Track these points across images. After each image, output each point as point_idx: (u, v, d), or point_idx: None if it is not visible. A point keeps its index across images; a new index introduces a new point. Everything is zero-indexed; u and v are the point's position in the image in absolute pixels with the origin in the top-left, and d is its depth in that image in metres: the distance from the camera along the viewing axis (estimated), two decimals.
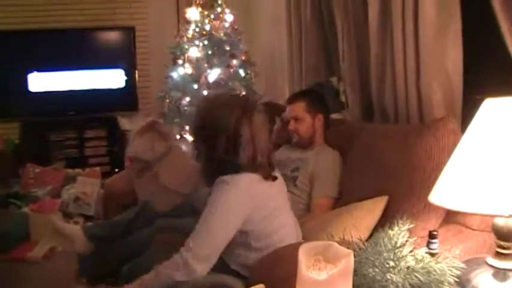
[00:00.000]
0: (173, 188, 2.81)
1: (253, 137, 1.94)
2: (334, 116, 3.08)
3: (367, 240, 1.57)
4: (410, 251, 1.40)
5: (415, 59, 2.48)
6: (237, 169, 1.92)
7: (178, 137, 4.13)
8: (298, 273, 1.16)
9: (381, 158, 2.32)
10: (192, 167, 2.65)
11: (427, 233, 1.62)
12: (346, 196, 2.49)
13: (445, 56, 2.36)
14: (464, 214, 1.98)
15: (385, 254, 1.36)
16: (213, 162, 1.96)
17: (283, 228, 2.04)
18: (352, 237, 1.48)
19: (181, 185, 2.84)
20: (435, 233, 1.61)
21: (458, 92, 2.38)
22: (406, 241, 1.43)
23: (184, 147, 3.91)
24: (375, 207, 2.07)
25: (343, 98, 3.26)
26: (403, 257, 1.36)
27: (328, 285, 1.13)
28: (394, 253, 1.36)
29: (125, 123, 5.35)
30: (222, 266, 2.09)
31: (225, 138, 1.92)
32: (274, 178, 2.02)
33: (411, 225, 1.54)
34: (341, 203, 2.46)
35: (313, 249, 1.17)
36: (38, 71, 5.70)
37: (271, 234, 1.99)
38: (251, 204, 1.93)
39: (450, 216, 2.05)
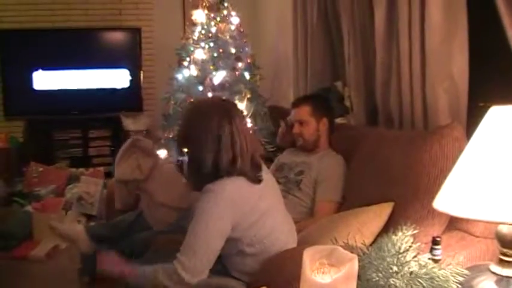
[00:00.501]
0: (171, 204, 2.77)
1: (236, 139, 1.91)
2: (338, 120, 3.09)
3: (371, 245, 1.58)
4: (414, 257, 1.40)
5: (421, 64, 2.48)
6: (222, 174, 1.90)
7: None
8: (302, 276, 1.17)
9: (385, 163, 2.32)
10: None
11: (430, 239, 1.62)
12: (349, 201, 2.49)
13: (451, 62, 2.36)
14: (468, 221, 1.98)
15: (388, 259, 1.37)
16: (198, 170, 1.93)
17: (274, 230, 2.02)
18: (356, 241, 1.48)
19: (178, 199, 2.79)
20: (438, 239, 1.61)
21: (464, 99, 2.38)
22: (410, 246, 1.43)
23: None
24: (381, 212, 2.07)
25: (347, 103, 3.26)
26: (406, 262, 1.37)
27: None
28: (398, 258, 1.36)
29: (129, 123, 5.37)
30: (225, 270, 2.09)
31: (207, 144, 1.90)
32: (260, 180, 1.98)
33: (415, 231, 1.53)
34: (344, 207, 2.47)
35: (318, 253, 1.17)
36: (43, 69, 5.73)
37: (263, 239, 1.96)
38: (239, 211, 1.90)
39: (453, 223, 2.05)
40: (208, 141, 1.89)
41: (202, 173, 1.91)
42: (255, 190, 1.95)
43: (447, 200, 1.47)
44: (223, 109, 1.95)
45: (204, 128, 1.91)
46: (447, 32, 2.35)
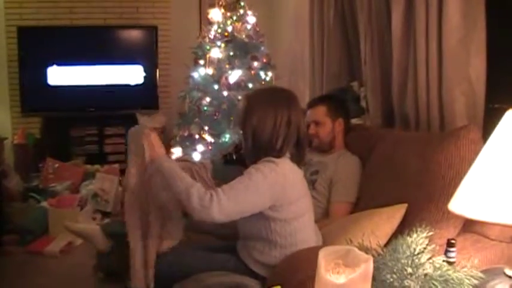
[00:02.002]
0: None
1: (296, 126, 2.09)
2: (354, 121, 3.08)
3: (384, 247, 1.58)
4: (429, 259, 1.40)
5: (438, 66, 2.47)
6: (279, 154, 2.06)
7: (197, 137, 4.15)
8: (317, 276, 1.17)
9: (401, 164, 2.32)
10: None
11: (444, 241, 1.62)
12: (364, 201, 2.48)
13: (468, 64, 2.35)
14: (483, 224, 1.97)
15: (403, 261, 1.36)
16: (259, 148, 2.08)
17: (307, 228, 2.12)
18: (370, 243, 1.48)
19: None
20: (453, 241, 1.60)
21: (481, 101, 2.37)
22: (425, 248, 1.43)
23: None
24: (395, 214, 2.07)
25: (363, 103, 3.25)
26: (421, 264, 1.36)
27: None
28: (413, 260, 1.36)
29: (144, 121, 5.40)
30: (239, 266, 2.11)
31: (270, 126, 2.06)
32: (303, 164, 2.21)
33: (430, 233, 1.53)
34: (359, 208, 2.46)
35: (333, 253, 1.18)
36: (58, 65, 5.78)
37: (296, 233, 2.06)
38: (289, 190, 2.03)
39: (468, 226, 2.04)
40: (271, 121, 2.06)
41: (258, 148, 2.09)
42: (300, 172, 2.15)
43: (463, 202, 1.47)
44: (287, 97, 2.15)
45: (273, 109, 2.08)
46: (465, 33, 2.34)
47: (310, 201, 2.20)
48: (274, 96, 2.14)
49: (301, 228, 2.08)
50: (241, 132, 2.19)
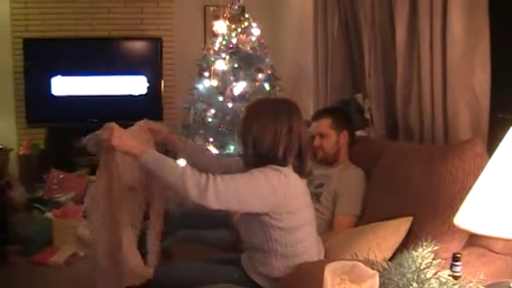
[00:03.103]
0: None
1: (293, 134, 2.07)
2: (358, 133, 3.08)
3: (389, 260, 1.57)
4: (435, 274, 1.40)
5: (442, 78, 2.47)
6: (283, 164, 2.05)
7: None
8: None
9: (405, 177, 2.31)
10: None
11: (449, 255, 1.61)
12: (368, 214, 2.48)
13: (473, 76, 2.35)
14: (488, 237, 1.96)
15: (408, 276, 1.36)
16: (260, 157, 2.07)
17: (309, 238, 2.11)
18: (375, 256, 1.48)
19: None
20: (459, 255, 1.60)
21: (485, 112, 2.36)
22: (430, 263, 1.43)
23: None
24: (400, 227, 2.07)
25: (367, 115, 3.25)
26: (427, 279, 1.36)
27: None
28: (418, 275, 1.36)
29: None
30: (243, 279, 2.11)
31: (271, 135, 2.04)
32: (307, 175, 2.19)
33: (435, 247, 1.53)
34: (363, 221, 2.46)
35: (339, 269, 1.18)
36: (62, 75, 5.80)
37: (297, 243, 2.05)
38: (291, 198, 2.02)
39: (473, 239, 2.03)
40: (271, 131, 2.05)
41: (259, 158, 2.06)
42: (303, 182, 2.14)
43: (468, 216, 1.46)
44: (288, 107, 2.13)
45: (273, 119, 2.06)
46: (469, 45, 2.34)
47: (312, 213, 2.18)
48: (275, 105, 2.14)
49: (302, 239, 2.07)
50: (242, 142, 2.17)
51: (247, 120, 2.13)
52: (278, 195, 1.99)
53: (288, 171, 2.04)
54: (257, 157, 2.06)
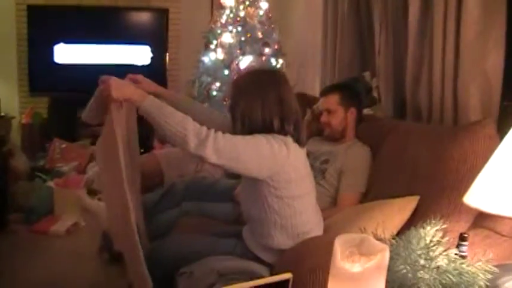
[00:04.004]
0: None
1: (284, 103, 2.03)
2: (365, 111, 3.06)
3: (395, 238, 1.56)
4: (444, 251, 1.38)
5: (454, 59, 2.43)
6: (283, 133, 2.01)
7: None
8: (332, 263, 1.15)
9: (413, 157, 2.30)
10: None
11: (455, 235, 1.60)
12: (373, 192, 2.47)
13: (486, 58, 2.31)
14: (494, 219, 1.95)
15: (418, 252, 1.35)
16: (249, 127, 2.02)
17: (308, 210, 2.10)
18: (384, 232, 1.46)
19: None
20: (466, 235, 1.59)
21: (496, 96, 2.33)
22: (439, 241, 1.41)
23: None
24: (406, 206, 2.05)
25: (375, 94, 3.23)
26: (435, 256, 1.35)
27: (362, 278, 1.12)
28: (427, 252, 1.35)
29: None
30: (245, 252, 2.10)
31: (259, 108, 2.01)
32: (303, 144, 2.13)
33: (444, 226, 1.51)
34: (368, 199, 2.45)
35: (349, 241, 1.16)
36: (66, 42, 5.75)
37: (296, 214, 2.04)
38: (291, 167, 2.00)
39: (479, 221, 2.01)
40: (258, 102, 2.01)
41: (252, 131, 2.00)
42: (303, 153, 2.11)
43: (479, 195, 1.45)
44: (274, 77, 2.12)
45: (258, 91, 2.04)
46: (483, 27, 2.30)
47: (312, 184, 2.17)
48: (260, 77, 2.11)
49: (301, 210, 2.06)
50: (231, 118, 2.11)
51: (234, 95, 2.10)
52: (278, 161, 1.96)
53: (288, 140, 2.00)
54: (249, 132, 2.01)
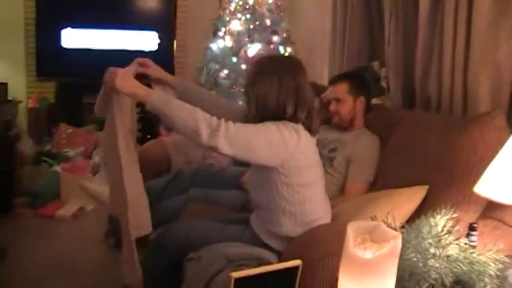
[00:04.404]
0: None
1: (300, 91, 2.05)
2: (373, 101, 3.04)
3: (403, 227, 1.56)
4: (456, 240, 1.38)
5: (465, 49, 2.41)
6: (294, 121, 2.03)
7: None
8: (344, 250, 1.16)
9: (422, 147, 2.29)
10: None
11: (464, 225, 1.60)
12: (381, 182, 2.46)
13: (497, 48, 2.30)
14: (503, 210, 1.95)
15: (430, 240, 1.35)
16: (266, 116, 2.03)
17: (317, 197, 2.11)
18: (394, 220, 1.46)
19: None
20: (475, 225, 1.59)
21: (507, 87, 2.32)
22: (450, 230, 1.41)
23: None
24: (415, 195, 2.05)
25: (384, 84, 3.22)
26: (447, 245, 1.35)
27: (374, 265, 1.12)
28: (438, 240, 1.34)
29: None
30: (253, 239, 2.10)
31: (275, 93, 2.02)
32: (315, 132, 2.14)
33: (454, 215, 1.51)
34: (376, 188, 2.45)
35: (361, 228, 1.16)
36: (73, 27, 5.74)
37: (305, 201, 2.05)
38: (302, 154, 2.01)
39: (488, 212, 2.01)
40: (275, 88, 2.02)
41: (265, 116, 2.02)
42: (313, 141, 2.11)
43: (490, 185, 1.45)
44: (292, 64, 2.13)
45: (276, 75, 2.04)
46: (495, 17, 2.28)
47: (321, 172, 2.17)
48: (278, 63, 2.12)
49: (310, 198, 2.07)
50: (246, 102, 2.14)
51: (252, 77, 2.10)
52: (288, 149, 1.96)
53: (299, 128, 2.01)
54: (263, 116, 2.02)
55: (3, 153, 3.88)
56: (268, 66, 2.09)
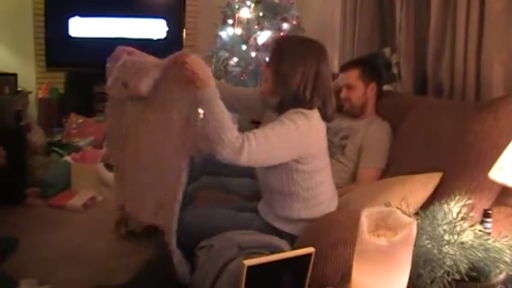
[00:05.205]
0: None
1: (324, 78, 2.05)
2: (384, 87, 3.02)
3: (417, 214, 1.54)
4: (471, 226, 1.36)
5: (478, 34, 2.39)
6: (309, 106, 2.03)
7: None
8: (359, 236, 1.14)
9: (435, 133, 2.27)
10: None
11: (477, 212, 1.58)
12: (393, 169, 2.44)
13: (511, 33, 2.27)
14: None
15: (444, 227, 1.33)
16: (287, 97, 2.05)
17: (326, 182, 2.13)
18: (408, 207, 1.44)
19: None
20: (490, 212, 1.57)
21: None
22: (465, 217, 1.39)
23: None
24: (429, 182, 2.03)
25: (395, 70, 3.18)
26: (462, 231, 1.33)
27: (389, 251, 1.10)
28: (454, 227, 1.32)
29: None
30: (264, 227, 2.09)
31: (299, 74, 2.02)
32: (330, 119, 2.15)
33: (469, 201, 1.49)
34: (388, 175, 2.43)
35: (375, 215, 1.14)
36: (81, 16, 5.70)
37: (317, 185, 2.07)
38: (318, 141, 2.05)
39: (501, 198, 1.99)
40: (299, 70, 2.02)
41: (285, 97, 2.05)
42: (324, 126, 2.11)
43: (505, 171, 1.43)
44: (318, 49, 2.11)
45: (302, 58, 2.04)
46: (509, 1, 2.25)
47: (328, 155, 2.18)
48: (305, 45, 2.11)
49: (321, 182, 2.09)
50: (267, 74, 2.13)
51: (277, 56, 2.10)
52: (307, 141, 1.99)
53: (312, 113, 2.02)
54: (284, 96, 2.05)
55: (14, 144, 3.87)
56: (296, 47, 2.09)
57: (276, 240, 1.94)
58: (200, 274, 1.94)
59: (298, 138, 1.96)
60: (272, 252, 1.74)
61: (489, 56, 2.34)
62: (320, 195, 2.09)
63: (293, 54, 2.05)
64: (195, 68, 1.90)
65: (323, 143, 2.11)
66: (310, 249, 1.42)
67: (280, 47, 2.13)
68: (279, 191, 2.08)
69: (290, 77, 2.03)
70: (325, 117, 2.09)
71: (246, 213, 2.21)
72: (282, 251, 1.82)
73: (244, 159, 1.86)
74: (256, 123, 3.41)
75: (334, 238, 1.66)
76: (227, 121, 1.87)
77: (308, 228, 1.96)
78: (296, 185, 2.04)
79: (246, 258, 1.54)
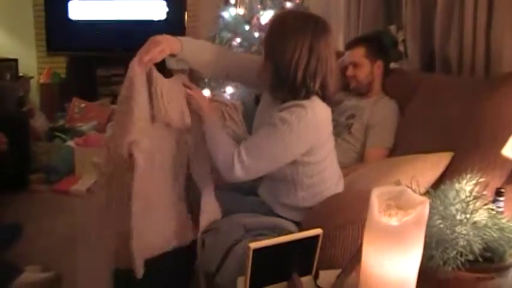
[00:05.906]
0: None
1: (319, 56, 1.85)
2: (391, 65, 2.96)
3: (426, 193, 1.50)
4: (485, 205, 1.31)
5: (487, 9, 2.32)
6: (306, 93, 1.86)
7: None
8: (369, 216, 1.10)
9: (444, 111, 2.22)
10: None
11: (489, 191, 1.53)
12: (401, 148, 2.40)
13: None
14: None
15: (457, 206, 1.28)
16: (280, 82, 1.90)
17: (331, 167, 2.05)
18: (418, 186, 1.39)
19: None
20: (502, 190, 1.52)
21: None
22: (479, 196, 1.34)
23: None
24: (440, 161, 1.97)
25: (401, 48, 3.12)
26: (474, 211, 1.28)
27: (400, 232, 1.06)
28: (467, 206, 1.27)
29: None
30: (267, 211, 2.04)
31: (289, 53, 1.84)
32: (332, 104, 2.01)
33: (481, 179, 1.44)
34: (396, 155, 2.39)
35: (385, 194, 1.10)
36: None
37: (323, 171, 1.99)
38: (321, 133, 1.92)
39: None
40: (291, 45, 1.83)
41: (279, 82, 1.90)
42: (328, 111, 1.95)
43: None
44: (315, 24, 1.88)
45: (288, 34, 1.85)
46: None
47: (333, 139, 2.06)
48: (298, 19, 1.90)
49: (327, 166, 2.01)
50: (265, 59, 1.95)
51: (269, 29, 1.97)
52: (309, 136, 1.87)
53: (312, 104, 1.86)
54: (275, 74, 1.89)
55: (17, 130, 3.85)
56: (288, 21, 1.90)
57: (282, 221, 1.90)
58: (207, 257, 1.91)
59: (298, 139, 1.84)
60: (279, 234, 1.70)
61: (499, 30, 2.27)
62: (326, 180, 2.01)
63: (283, 28, 1.88)
64: (198, 98, 1.98)
65: (327, 131, 1.96)
66: (318, 231, 1.38)
67: (273, 20, 2.03)
68: (281, 179, 1.99)
69: (278, 51, 1.85)
70: (326, 100, 1.91)
71: (253, 197, 2.16)
72: (289, 232, 1.79)
73: (239, 174, 1.84)
74: None
75: (342, 219, 1.62)
76: (221, 143, 1.91)
77: (315, 210, 1.92)
78: (301, 175, 1.96)
79: (253, 240, 1.51)
